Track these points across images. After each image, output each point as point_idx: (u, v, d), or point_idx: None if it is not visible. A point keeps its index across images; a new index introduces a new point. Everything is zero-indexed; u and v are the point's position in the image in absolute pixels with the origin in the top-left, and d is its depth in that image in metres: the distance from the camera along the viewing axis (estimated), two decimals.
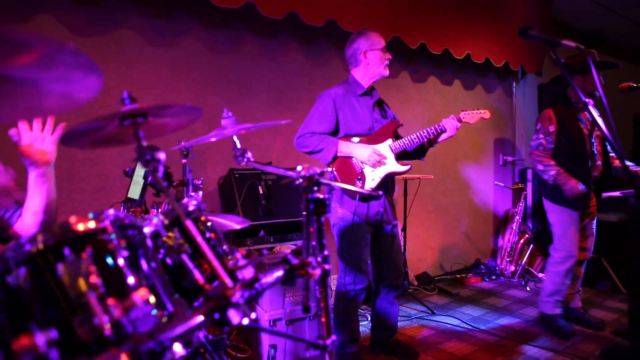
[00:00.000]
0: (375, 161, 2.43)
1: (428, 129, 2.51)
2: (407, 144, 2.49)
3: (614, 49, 6.47)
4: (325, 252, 1.31)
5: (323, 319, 1.32)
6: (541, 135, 3.09)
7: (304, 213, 1.22)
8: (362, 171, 2.48)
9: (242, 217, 2.89)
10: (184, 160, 1.93)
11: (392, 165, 2.49)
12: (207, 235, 1.24)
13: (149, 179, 1.73)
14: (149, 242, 1.06)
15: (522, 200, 4.71)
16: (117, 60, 2.78)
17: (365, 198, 2.51)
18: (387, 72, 2.57)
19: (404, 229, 3.95)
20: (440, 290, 4.20)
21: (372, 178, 2.46)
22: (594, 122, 3.08)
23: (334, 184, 1.28)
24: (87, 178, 2.70)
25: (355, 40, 2.55)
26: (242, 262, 1.04)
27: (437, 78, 4.64)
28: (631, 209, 1.48)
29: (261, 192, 2.98)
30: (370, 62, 2.54)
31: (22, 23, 2.48)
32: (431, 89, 4.59)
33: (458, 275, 4.57)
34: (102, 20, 2.73)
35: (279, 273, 1.18)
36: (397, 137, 2.56)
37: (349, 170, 2.51)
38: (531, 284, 4.33)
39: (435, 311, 3.62)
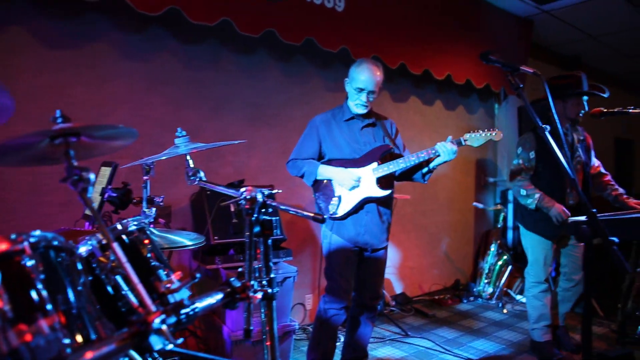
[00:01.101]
0: (351, 185, 2.43)
1: (418, 153, 2.45)
2: (392, 168, 2.45)
3: (593, 74, 6.58)
4: (271, 275, 1.29)
5: (268, 343, 1.30)
6: (521, 161, 3.09)
7: (247, 233, 1.20)
8: (340, 194, 2.49)
9: (212, 234, 2.87)
10: (145, 177, 1.90)
11: (371, 190, 2.47)
12: (148, 255, 1.21)
13: (106, 195, 1.71)
14: (79, 264, 1.03)
15: (501, 221, 4.71)
16: (91, 74, 2.77)
17: (345, 220, 2.50)
18: (358, 111, 2.53)
19: None
20: (417, 312, 4.16)
21: (348, 201, 2.46)
22: (574, 147, 3.07)
23: (282, 206, 1.26)
24: (54, 191, 2.65)
25: (351, 66, 2.54)
26: (175, 285, 1.02)
27: (418, 98, 4.67)
28: (583, 235, 1.48)
29: (232, 209, 2.94)
30: (348, 94, 2.56)
31: None
32: (412, 108, 4.62)
33: (436, 296, 4.55)
34: (77, 34, 2.72)
35: (219, 296, 1.16)
36: (387, 160, 2.51)
37: (329, 192, 2.53)
38: (508, 306, 4.31)
39: (409, 333, 3.58)
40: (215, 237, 2.85)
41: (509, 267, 4.53)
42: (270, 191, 1.27)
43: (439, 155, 2.45)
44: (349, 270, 2.54)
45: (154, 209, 1.54)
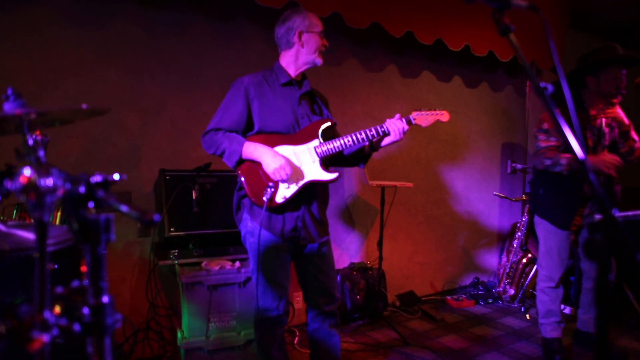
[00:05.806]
0: (282, 178, 1.94)
1: (366, 131, 2.06)
2: (338, 147, 2.03)
3: None
4: (104, 299, 0.88)
5: None
6: (544, 137, 2.83)
7: (37, 243, 0.79)
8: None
9: (169, 225, 2.50)
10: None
11: (315, 172, 2.01)
12: None
13: None
14: None
15: (526, 213, 4.12)
16: (30, 41, 2.44)
17: (276, 209, 2.01)
18: (320, 61, 2.10)
19: (379, 243, 3.47)
20: (424, 314, 3.68)
21: (287, 186, 1.99)
22: (601, 131, 2.77)
23: (113, 202, 0.85)
24: None
25: (290, 18, 2.09)
26: None
27: (432, 73, 4.12)
28: (594, 249, 0.98)
29: (194, 197, 2.57)
30: (304, 46, 2.07)
31: None
32: (424, 85, 4.08)
33: (449, 297, 4.04)
34: None
35: None
36: (328, 138, 2.07)
37: (260, 175, 2.01)
38: (532, 311, 3.76)
39: (409, 341, 3.12)
40: (172, 229, 2.48)
41: (534, 267, 3.96)
42: (109, 177, 0.85)
43: (388, 134, 2.09)
44: (284, 273, 2.09)
45: None
